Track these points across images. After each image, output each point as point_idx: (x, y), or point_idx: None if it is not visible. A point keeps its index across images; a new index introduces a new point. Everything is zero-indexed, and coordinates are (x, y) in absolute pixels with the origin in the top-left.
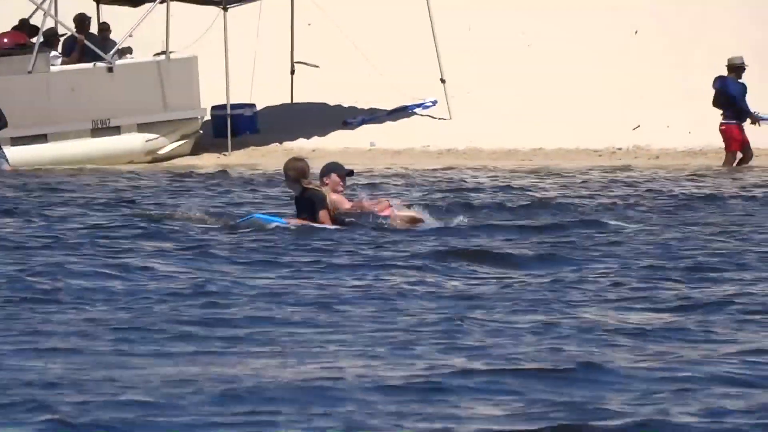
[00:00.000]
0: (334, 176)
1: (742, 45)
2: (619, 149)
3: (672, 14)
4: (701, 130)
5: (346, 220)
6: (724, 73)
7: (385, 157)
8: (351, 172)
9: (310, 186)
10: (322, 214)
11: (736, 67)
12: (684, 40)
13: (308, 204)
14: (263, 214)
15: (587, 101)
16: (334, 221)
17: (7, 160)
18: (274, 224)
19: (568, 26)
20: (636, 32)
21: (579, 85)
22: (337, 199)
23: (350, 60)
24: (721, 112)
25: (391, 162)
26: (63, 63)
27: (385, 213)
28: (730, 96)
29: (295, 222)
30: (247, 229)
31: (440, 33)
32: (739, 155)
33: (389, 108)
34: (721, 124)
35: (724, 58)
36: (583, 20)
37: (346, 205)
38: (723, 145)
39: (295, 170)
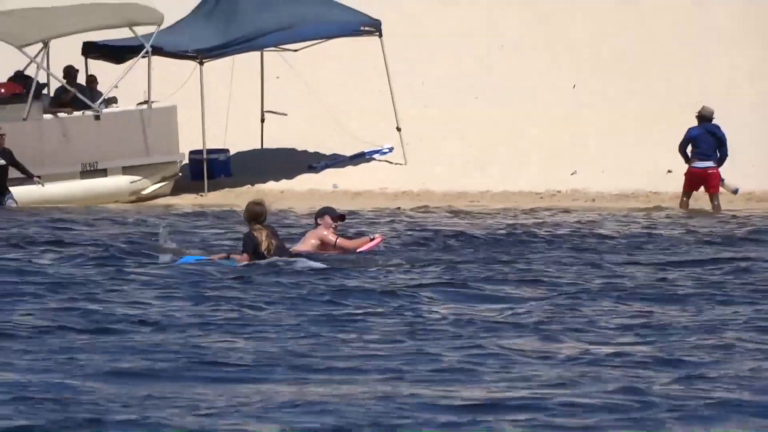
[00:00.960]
0: (327, 218)
1: (671, 96)
2: (559, 192)
3: (607, 70)
4: (631, 175)
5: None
6: (679, 121)
7: (346, 198)
8: (343, 217)
9: (254, 229)
10: (241, 256)
11: (711, 117)
12: (618, 94)
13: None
14: (193, 257)
15: (530, 148)
16: (250, 258)
17: (14, 200)
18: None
19: (511, 80)
20: (574, 86)
21: (522, 134)
22: (328, 234)
23: (315, 110)
24: (693, 157)
25: (353, 202)
26: (51, 107)
27: (364, 248)
28: (722, 140)
29: (217, 257)
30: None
31: (396, 87)
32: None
33: (350, 154)
34: (710, 168)
35: (654, 109)
36: (526, 75)
37: (331, 240)
38: (667, 189)
39: (247, 212)
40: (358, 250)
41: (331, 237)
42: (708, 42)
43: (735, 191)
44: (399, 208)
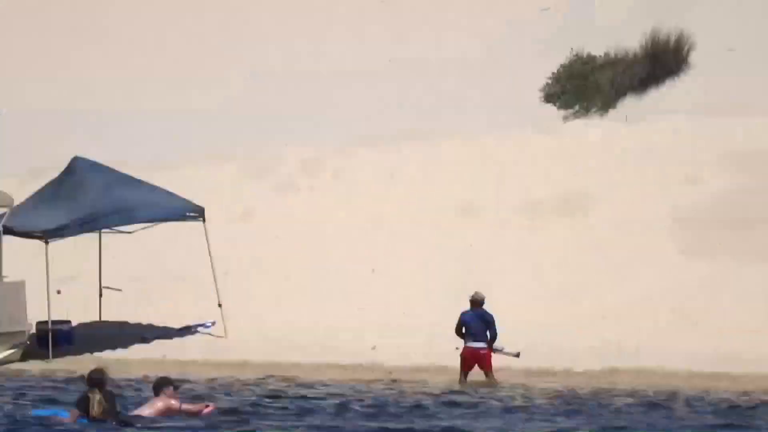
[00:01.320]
0: (170, 387)
1: (459, 280)
2: (361, 365)
3: (404, 255)
4: (429, 352)
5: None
6: (459, 304)
7: (175, 366)
8: (179, 386)
9: (90, 391)
10: (71, 411)
11: (482, 302)
12: (413, 276)
13: None
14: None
15: (337, 326)
16: (78, 415)
17: None
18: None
19: (320, 263)
20: (373, 270)
21: (329, 313)
22: (172, 400)
23: (147, 286)
24: (467, 337)
25: (181, 371)
26: None
27: (203, 413)
28: (491, 323)
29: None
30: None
31: (218, 266)
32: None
33: (178, 327)
34: (482, 349)
35: (445, 291)
36: (333, 258)
37: (176, 406)
38: (454, 364)
39: (87, 377)
40: (201, 414)
41: (175, 402)
42: (486, 234)
43: (517, 355)
44: (252, 381)
